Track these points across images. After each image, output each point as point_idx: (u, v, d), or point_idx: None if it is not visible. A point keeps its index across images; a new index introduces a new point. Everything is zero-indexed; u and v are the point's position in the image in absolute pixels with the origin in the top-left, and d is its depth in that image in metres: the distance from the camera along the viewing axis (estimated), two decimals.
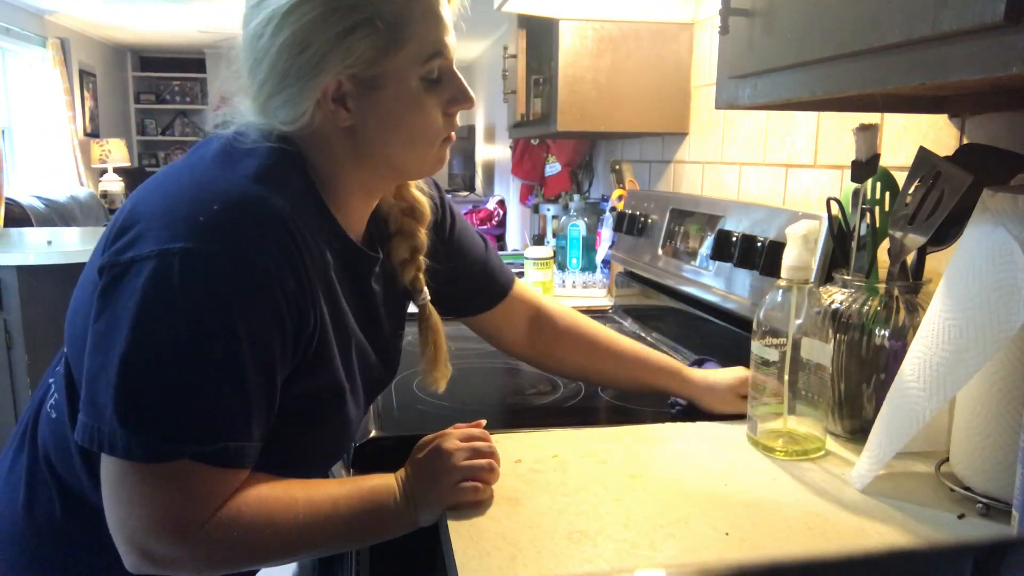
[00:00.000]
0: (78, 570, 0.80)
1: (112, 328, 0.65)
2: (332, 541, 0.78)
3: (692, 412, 1.08)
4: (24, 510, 0.80)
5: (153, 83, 8.26)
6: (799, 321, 0.89)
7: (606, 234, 1.98)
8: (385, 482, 0.79)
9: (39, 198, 4.73)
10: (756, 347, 0.93)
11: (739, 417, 1.02)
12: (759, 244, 1.21)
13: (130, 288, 0.65)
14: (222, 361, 0.66)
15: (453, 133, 0.82)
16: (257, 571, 0.90)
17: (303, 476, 0.79)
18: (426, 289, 0.94)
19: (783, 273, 0.91)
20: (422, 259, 0.93)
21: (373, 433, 1.02)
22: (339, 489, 0.77)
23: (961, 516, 0.77)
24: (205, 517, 0.68)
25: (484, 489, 0.79)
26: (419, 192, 0.93)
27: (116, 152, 6.65)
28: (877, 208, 0.96)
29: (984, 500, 0.77)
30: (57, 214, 4.78)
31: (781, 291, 0.91)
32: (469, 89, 0.80)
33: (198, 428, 0.66)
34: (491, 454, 0.81)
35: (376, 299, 0.89)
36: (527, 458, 0.90)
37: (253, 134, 0.76)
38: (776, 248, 1.15)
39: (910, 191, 0.88)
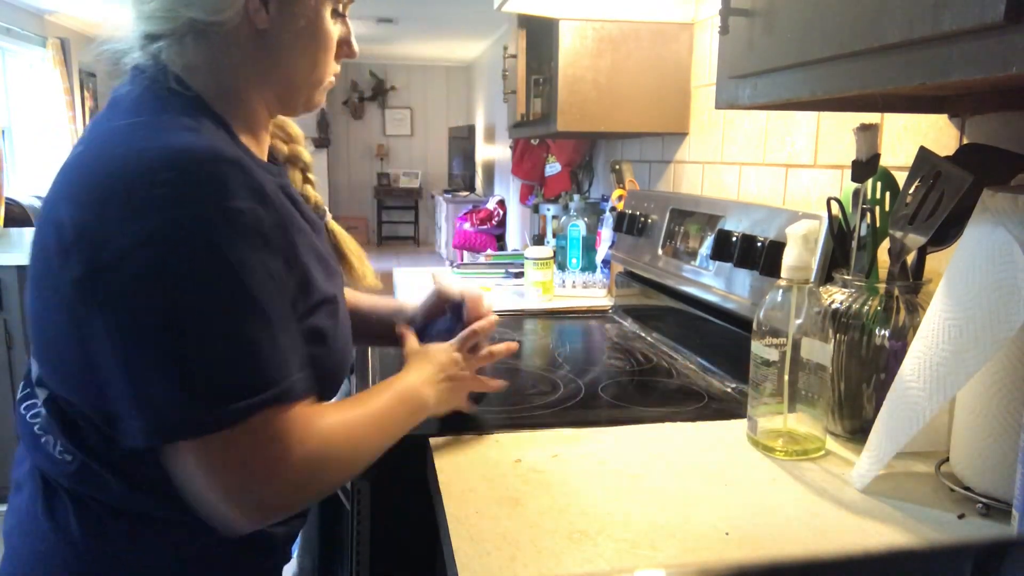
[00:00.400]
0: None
1: (133, 331, 0.65)
2: (388, 442, 0.85)
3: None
4: (90, 540, 0.76)
5: None
6: (799, 321, 0.90)
7: (606, 234, 1.98)
8: (409, 387, 0.89)
9: (39, 198, 4.73)
10: (756, 347, 0.93)
11: (739, 417, 1.02)
12: (759, 244, 1.21)
13: (132, 286, 0.64)
14: (246, 313, 0.67)
15: (333, 78, 0.86)
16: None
17: (330, 396, 0.87)
18: (326, 207, 0.98)
19: (783, 273, 0.91)
20: (313, 176, 0.97)
21: None
22: (383, 401, 0.85)
23: (961, 516, 0.77)
24: (296, 455, 0.70)
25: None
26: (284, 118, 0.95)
27: None
28: (877, 208, 0.96)
29: (984, 500, 0.77)
30: None
31: (781, 291, 0.91)
32: (355, 42, 0.87)
33: (252, 381, 0.67)
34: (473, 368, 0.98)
35: (306, 208, 0.90)
36: (527, 458, 0.90)
37: (137, 89, 0.75)
38: (776, 248, 1.15)
39: (910, 191, 0.88)
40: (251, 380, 0.67)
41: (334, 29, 0.82)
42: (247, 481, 0.68)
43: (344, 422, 0.78)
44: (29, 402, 0.78)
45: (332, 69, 0.85)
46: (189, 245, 0.65)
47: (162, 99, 0.74)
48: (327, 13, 0.80)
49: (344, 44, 0.85)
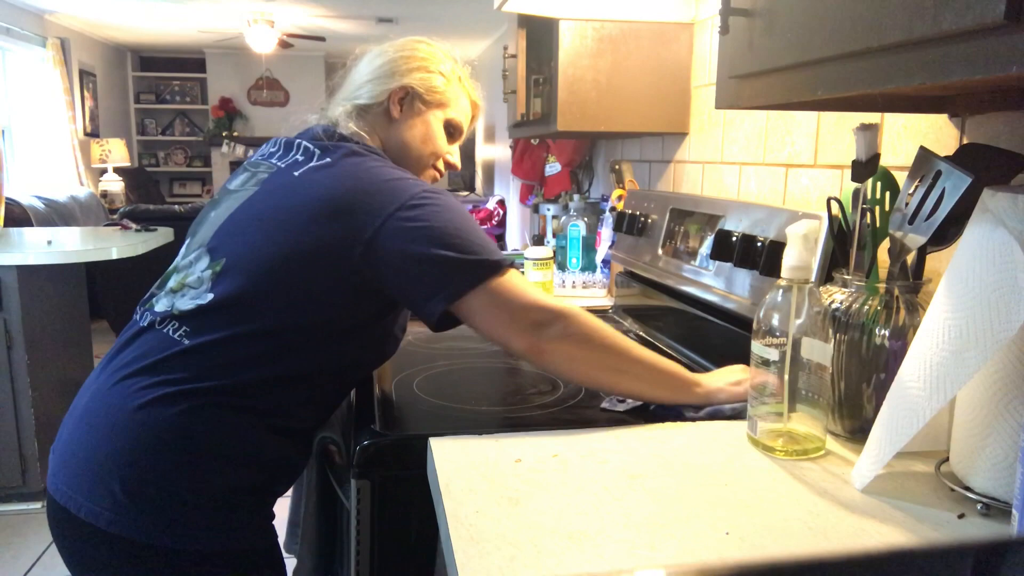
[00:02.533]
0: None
1: (432, 239, 0.99)
2: (635, 375, 1.08)
3: None
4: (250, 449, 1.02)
5: (153, 83, 8.25)
6: (799, 321, 0.89)
7: (606, 234, 1.99)
8: (692, 374, 1.10)
9: (39, 198, 4.73)
10: (756, 347, 0.93)
11: (739, 416, 1.02)
12: (759, 244, 1.21)
13: (426, 211, 1.01)
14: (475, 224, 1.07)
15: (438, 173, 1.23)
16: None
17: (369, 368, 1.17)
18: None
19: (783, 273, 0.91)
20: None
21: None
22: (658, 358, 1.10)
23: (961, 516, 0.77)
24: (544, 296, 1.06)
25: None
26: None
27: (116, 152, 6.65)
28: (877, 208, 0.96)
29: (984, 500, 0.77)
30: (57, 214, 4.78)
31: (781, 291, 0.91)
32: (458, 160, 1.25)
33: (495, 248, 1.05)
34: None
35: None
36: (527, 458, 0.90)
37: (325, 146, 1.10)
38: (776, 248, 1.15)
39: (910, 191, 0.88)
40: (496, 249, 1.05)
41: (442, 138, 1.21)
42: (517, 310, 1.02)
43: (603, 324, 1.08)
44: (169, 326, 1.03)
45: (432, 162, 1.21)
46: (442, 193, 1.07)
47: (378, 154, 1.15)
48: (440, 124, 1.20)
49: (449, 155, 1.23)
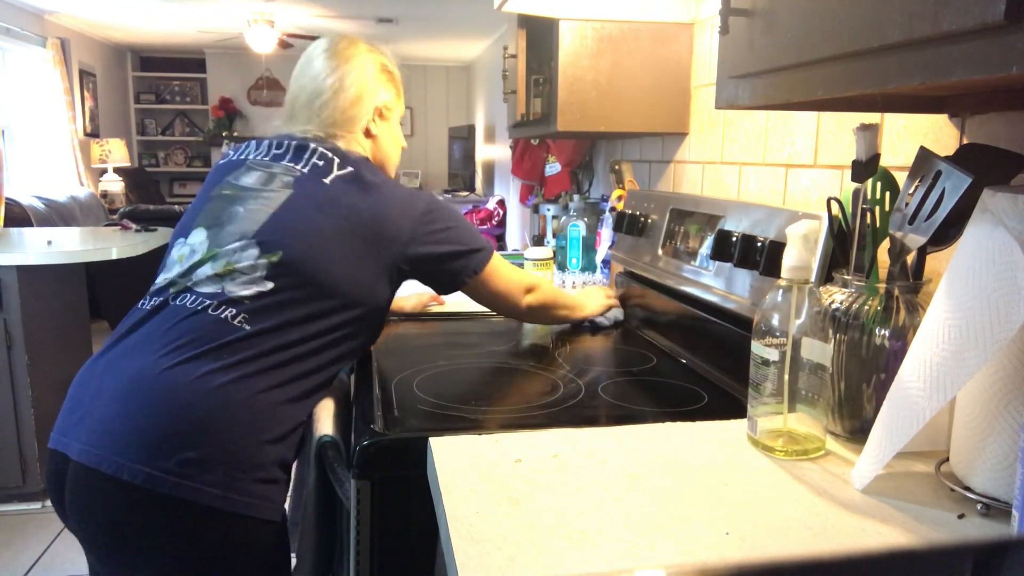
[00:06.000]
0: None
1: (451, 239, 1.30)
2: None
3: None
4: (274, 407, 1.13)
5: (153, 83, 8.25)
6: (799, 321, 0.90)
7: (606, 234, 1.98)
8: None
9: (39, 198, 4.73)
10: (756, 347, 0.93)
11: (739, 417, 1.02)
12: (759, 244, 1.21)
13: (441, 219, 1.30)
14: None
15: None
16: None
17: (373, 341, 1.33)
18: None
19: (783, 273, 0.91)
20: None
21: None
22: None
23: (961, 516, 0.77)
24: (523, 272, 1.47)
25: None
26: None
27: (116, 152, 6.65)
28: (877, 208, 0.96)
29: (984, 500, 0.77)
30: (57, 214, 4.78)
31: (781, 291, 0.91)
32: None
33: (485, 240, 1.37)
34: None
35: None
36: (527, 458, 0.90)
37: (340, 154, 1.29)
38: (776, 248, 1.15)
39: (910, 191, 0.88)
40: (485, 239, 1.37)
41: (400, 131, 1.44)
42: (514, 283, 1.42)
43: None
44: (225, 309, 1.13)
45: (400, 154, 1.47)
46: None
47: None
48: (398, 119, 1.42)
49: (405, 143, 1.47)
